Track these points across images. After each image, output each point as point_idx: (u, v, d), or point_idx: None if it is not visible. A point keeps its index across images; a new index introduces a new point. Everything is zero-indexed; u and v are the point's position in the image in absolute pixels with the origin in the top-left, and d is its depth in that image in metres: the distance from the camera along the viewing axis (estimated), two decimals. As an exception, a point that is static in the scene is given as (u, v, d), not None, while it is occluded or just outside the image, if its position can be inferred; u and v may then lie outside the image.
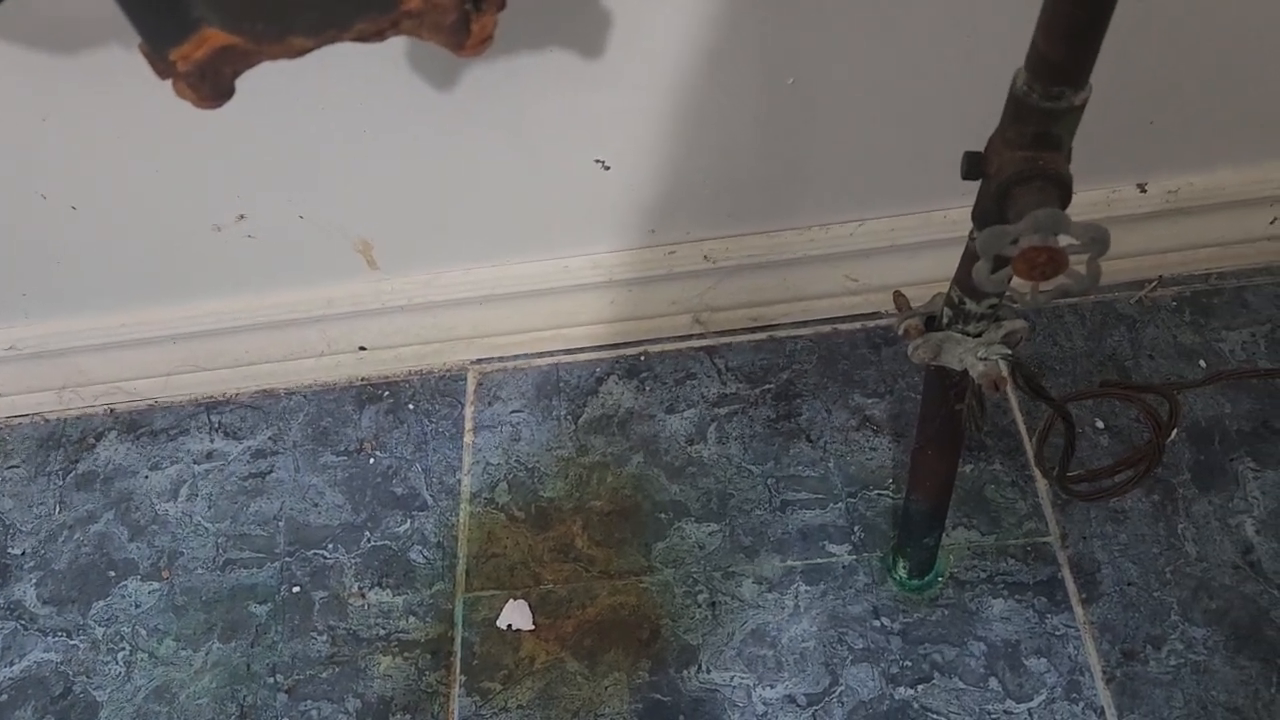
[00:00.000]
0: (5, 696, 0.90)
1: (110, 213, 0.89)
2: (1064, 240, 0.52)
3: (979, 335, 0.68)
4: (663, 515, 0.93)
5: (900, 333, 0.71)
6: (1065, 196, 0.55)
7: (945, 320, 0.69)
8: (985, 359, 0.68)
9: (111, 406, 1.08)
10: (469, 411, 1.03)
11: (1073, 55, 0.52)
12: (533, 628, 0.89)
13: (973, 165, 0.59)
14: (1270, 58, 0.83)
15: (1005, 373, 0.68)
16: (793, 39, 0.78)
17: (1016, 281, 0.55)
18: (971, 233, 0.63)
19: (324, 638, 0.91)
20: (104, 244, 0.92)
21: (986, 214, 0.59)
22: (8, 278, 0.96)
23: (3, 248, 0.92)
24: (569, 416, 1.01)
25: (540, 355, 1.05)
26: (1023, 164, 0.56)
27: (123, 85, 0.76)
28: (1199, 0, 0.77)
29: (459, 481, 0.98)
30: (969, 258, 0.65)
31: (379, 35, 0.41)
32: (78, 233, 0.91)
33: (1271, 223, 0.95)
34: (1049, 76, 0.53)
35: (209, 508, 1.00)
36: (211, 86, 0.41)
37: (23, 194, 0.86)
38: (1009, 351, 0.68)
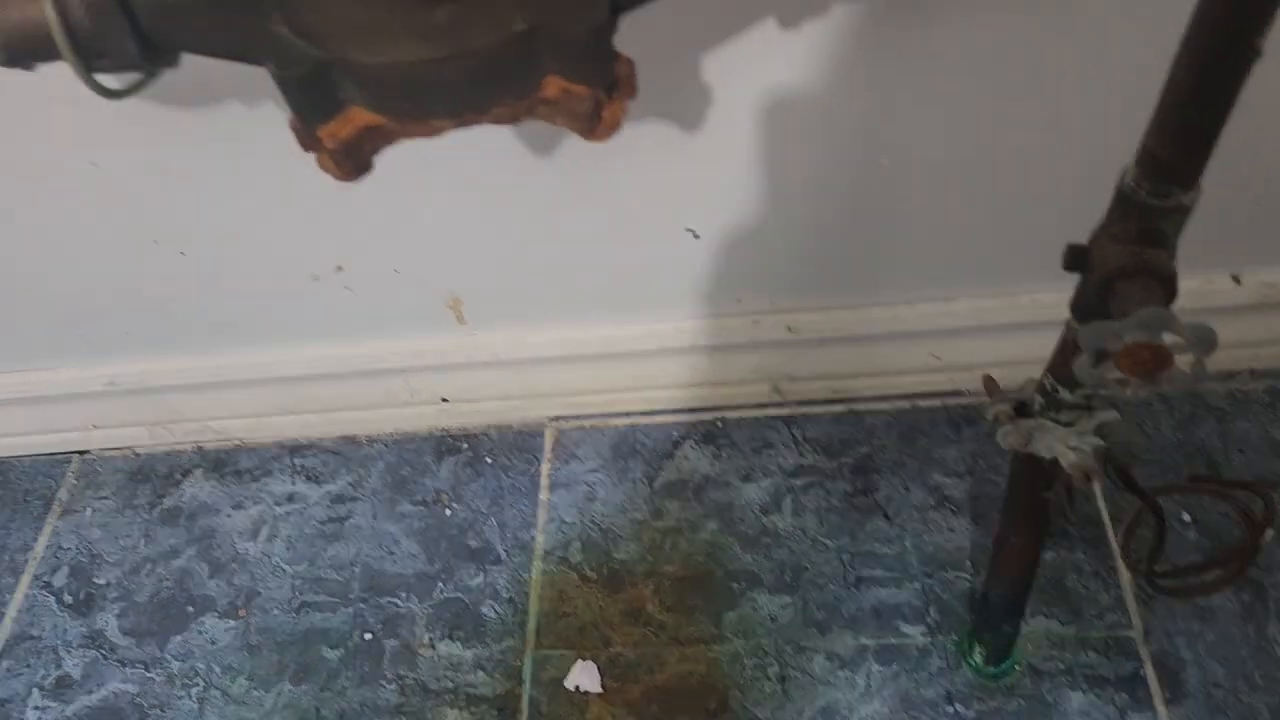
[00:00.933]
0: (83, 725, 0.92)
1: (216, 259, 0.92)
2: (1169, 338, 0.52)
3: (1071, 424, 0.68)
4: (735, 584, 0.93)
5: (990, 417, 0.71)
6: (1170, 294, 0.55)
7: (1037, 407, 0.68)
8: (1077, 449, 0.68)
9: (200, 445, 1.11)
10: (545, 468, 1.04)
11: (1185, 156, 0.52)
12: (600, 691, 0.89)
13: (1076, 258, 0.59)
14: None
15: (1097, 464, 0.67)
16: (890, 121, 0.79)
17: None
18: (1069, 322, 0.63)
19: (393, 686, 0.92)
20: (207, 288, 0.96)
21: (1088, 307, 0.59)
22: (114, 316, 0.99)
23: (114, 288, 0.95)
24: (644, 479, 1.01)
25: (618, 416, 1.06)
26: (1128, 259, 0.56)
27: (239, 141, 0.80)
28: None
29: (533, 538, 0.99)
30: (1066, 347, 0.65)
31: (514, 119, 0.43)
32: (184, 277, 0.94)
33: (1370, 321, 0.93)
34: (1158, 175, 0.53)
35: (287, 549, 1.02)
36: (353, 162, 0.43)
37: (137, 239, 0.90)
38: (1101, 442, 0.68)
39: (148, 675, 0.95)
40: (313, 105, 0.41)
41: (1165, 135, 0.52)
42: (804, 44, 0.73)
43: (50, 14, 0.41)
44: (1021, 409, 0.70)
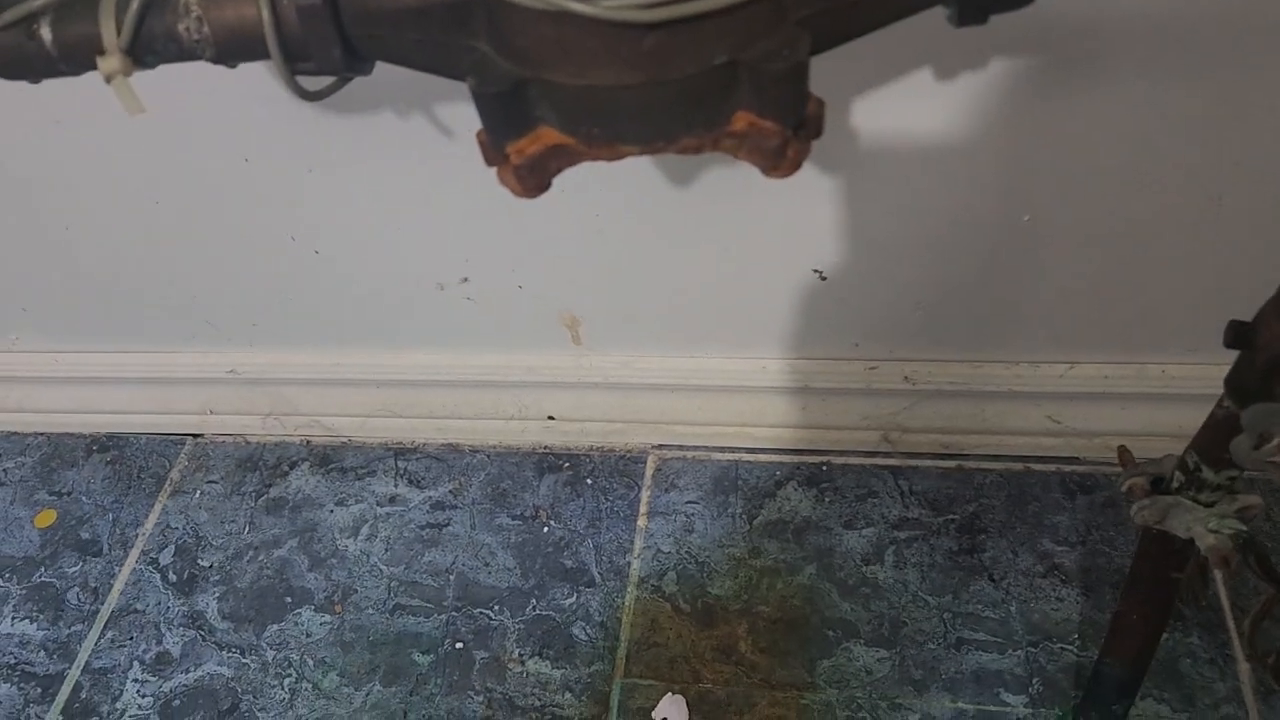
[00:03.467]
0: (179, 702, 0.94)
1: (349, 260, 0.95)
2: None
3: (1211, 505, 0.65)
4: (831, 632, 0.92)
5: (1123, 489, 0.69)
6: (1341, 380, 0.53)
7: (1175, 484, 0.66)
8: (1216, 531, 0.65)
9: (309, 439, 1.13)
10: (645, 495, 1.04)
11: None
12: (687, 726, 0.88)
13: (1239, 335, 0.57)
14: None
15: (1235, 549, 0.65)
16: (1035, 178, 0.78)
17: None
18: (1222, 400, 0.61)
19: (480, 699, 0.92)
20: (336, 288, 0.98)
21: (1247, 386, 0.57)
22: (243, 307, 1.02)
23: (246, 280, 0.98)
24: (744, 515, 1.00)
25: (722, 450, 1.05)
26: (1299, 341, 0.54)
27: (384, 149, 0.82)
28: None
29: (628, 564, 0.99)
30: (1217, 425, 0.62)
31: (699, 150, 0.43)
32: (315, 275, 0.97)
33: None
34: (1343, 257, 0.51)
35: (386, 550, 1.03)
36: (536, 180, 0.44)
37: (276, 236, 0.93)
38: (1243, 527, 0.65)
39: (243, 660, 0.97)
40: (505, 122, 0.42)
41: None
42: (956, 94, 0.72)
43: (265, 15, 0.43)
44: (1158, 484, 0.68)
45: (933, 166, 0.78)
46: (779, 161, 0.43)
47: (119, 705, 0.95)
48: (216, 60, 0.45)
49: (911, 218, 0.83)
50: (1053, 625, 0.89)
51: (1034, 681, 0.87)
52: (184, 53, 0.45)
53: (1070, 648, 0.88)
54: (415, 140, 0.80)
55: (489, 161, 0.44)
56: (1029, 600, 0.91)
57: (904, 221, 0.83)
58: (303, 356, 1.07)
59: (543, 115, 0.42)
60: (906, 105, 0.74)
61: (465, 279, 0.96)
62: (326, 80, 0.50)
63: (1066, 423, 0.97)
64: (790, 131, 0.42)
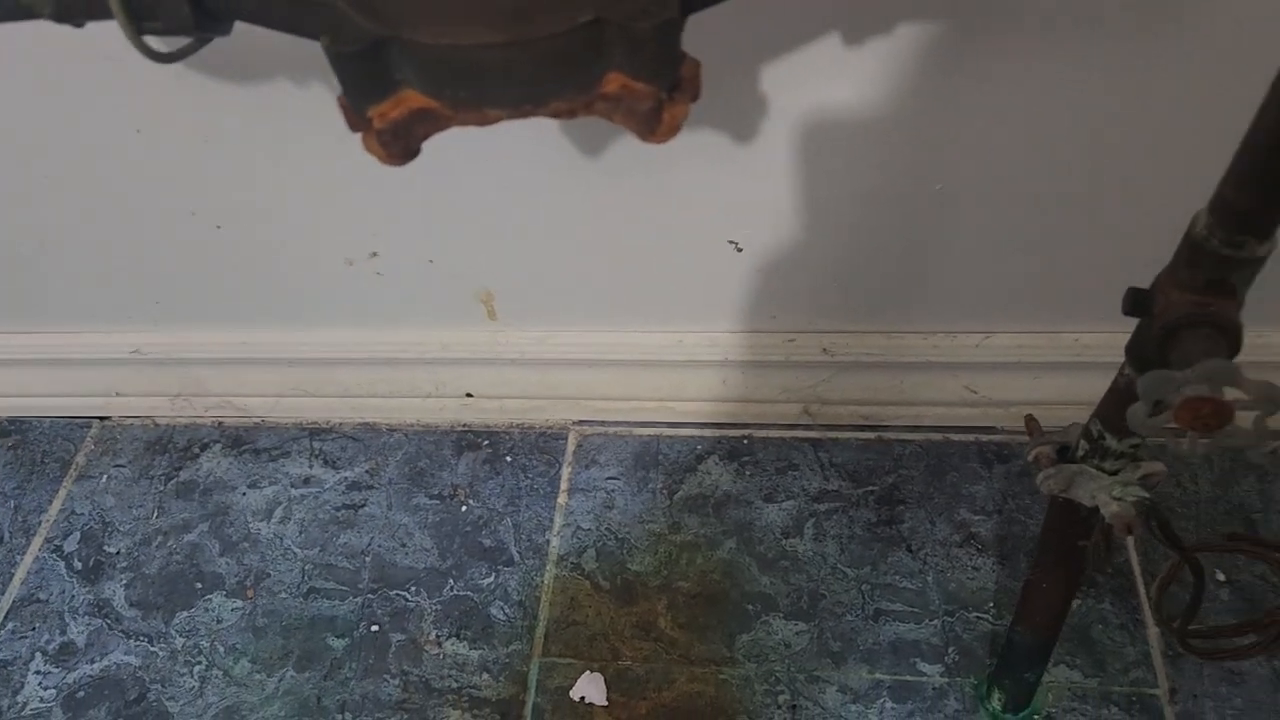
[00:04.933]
0: (83, 693, 0.91)
1: (252, 235, 0.92)
2: (1231, 393, 0.50)
3: (1115, 473, 0.66)
4: (750, 606, 0.91)
5: (1030, 459, 0.69)
6: (1235, 347, 0.53)
7: (1080, 453, 0.66)
8: (1120, 499, 0.65)
9: (220, 420, 1.10)
10: (566, 472, 1.02)
11: (1264, 206, 0.50)
12: (605, 704, 0.87)
13: (1137, 302, 0.57)
14: None
15: (1139, 516, 0.65)
16: (947, 148, 0.77)
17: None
18: (1123, 368, 0.61)
19: (396, 681, 0.90)
20: (241, 264, 0.95)
21: (1146, 354, 0.57)
22: (143, 285, 0.99)
23: (146, 257, 0.95)
24: (664, 491, 0.99)
25: (643, 425, 1.04)
26: (1193, 308, 0.53)
27: (284, 117, 0.79)
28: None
29: (548, 542, 0.97)
30: (1118, 394, 0.62)
31: (571, 114, 0.41)
32: (218, 251, 0.93)
33: None
34: (1234, 224, 0.51)
35: (300, 533, 1.00)
36: (401, 145, 0.42)
37: (174, 209, 0.89)
38: (1146, 494, 0.65)
39: (151, 649, 0.94)
40: (365, 84, 0.40)
41: (1244, 183, 0.49)
42: (866, 63, 0.71)
43: (105, -30, 0.40)
44: (1064, 453, 0.68)
45: (844, 138, 0.77)
46: (654, 125, 0.41)
47: (19, 699, 0.91)
48: (57, 18, 0.42)
49: (825, 189, 0.82)
50: (969, 594, 0.90)
51: (950, 650, 0.87)
52: (22, 9, 0.42)
53: (986, 616, 0.88)
54: (316, 109, 0.77)
55: (352, 127, 0.42)
56: (946, 570, 0.91)
57: (818, 193, 0.82)
58: (210, 335, 1.04)
59: (405, 77, 0.40)
60: (817, 77, 0.72)
61: (374, 254, 0.93)
62: (182, 41, 0.48)
63: (983, 392, 0.97)
64: (665, 94, 0.41)
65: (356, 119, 0.41)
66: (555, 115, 0.41)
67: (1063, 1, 0.66)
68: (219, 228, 0.91)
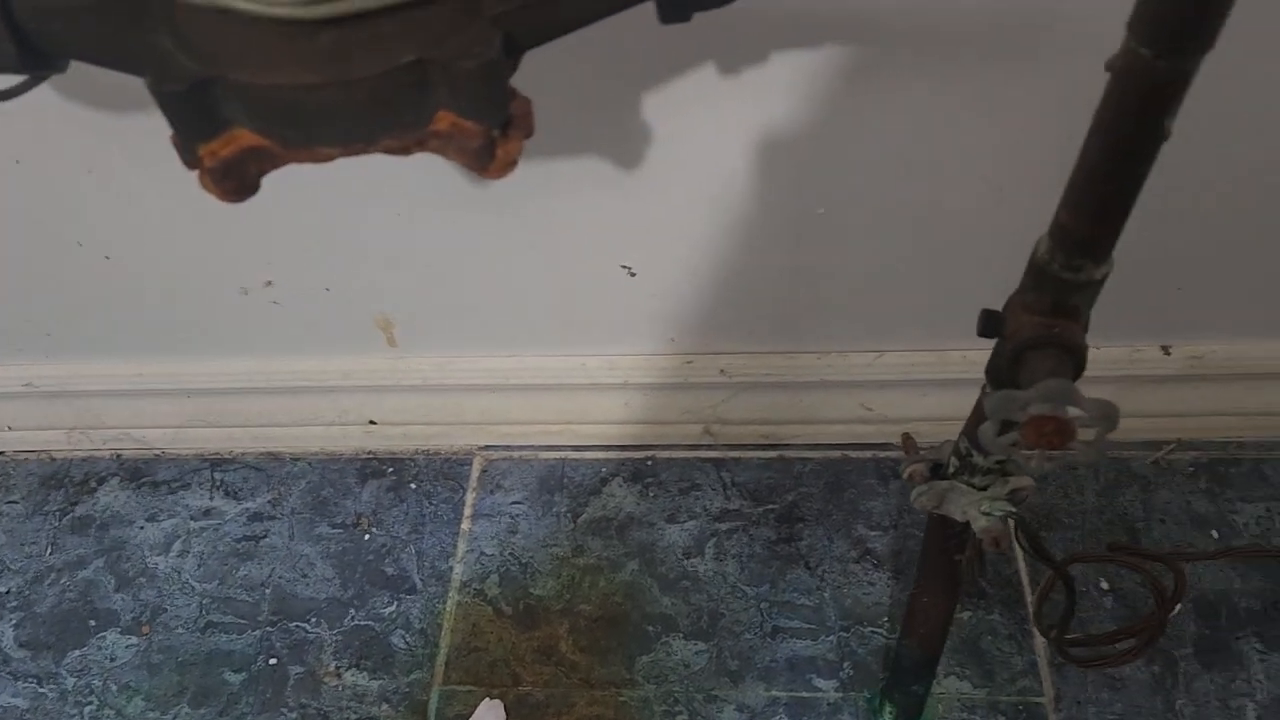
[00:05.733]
0: (-33, 739, 0.89)
1: (143, 266, 0.90)
2: (1074, 412, 0.52)
3: (985, 489, 0.67)
4: (651, 628, 0.92)
5: (905, 476, 0.70)
6: (1079, 367, 0.55)
7: (951, 469, 0.68)
8: (989, 514, 0.67)
9: (119, 452, 1.08)
10: (470, 498, 1.02)
11: (1097, 231, 0.52)
12: (505, 730, 0.87)
13: (989, 324, 0.59)
14: (1302, 237, 0.83)
15: (1007, 530, 0.67)
16: (829, 173, 0.79)
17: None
18: (984, 387, 0.63)
19: (294, 715, 0.89)
20: (132, 295, 0.94)
21: (1000, 373, 0.58)
22: (34, 317, 0.97)
23: (33, 288, 0.93)
24: (569, 514, 1.00)
25: (547, 449, 1.04)
26: (1039, 330, 0.55)
27: (167, 147, 0.78)
28: (1228, 171, 0.77)
29: (451, 569, 0.97)
30: (979, 413, 0.64)
31: (405, 151, 0.42)
32: (109, 281, 0.92)
33: (1295, 398, 0.94)
34: (1071, 249, 0.53)
35: (199, 566, 0.99)
36: (236, 182, 0.42)
37: (60, 240, 0.88)
38: (1013, 509, 0.67)
39: (40, 690, 0.92)
40: (194, 122, 0.40)
41: (1077, 210, 0.52)
42: (743, 92, 0.73)
43: (-77, 10, 0.40)
44: (936, 469, 0.70)
45: (729, 163, 0.79)
46: (487, 162, 0.42)
47: (-98, 745, 0.89)
48: (-116, 58, 0.42)
49: (713, 213, 0.83)
50: (864, 610, 0.91)
51: (845, 665, 0.88)
52: None
53: (880, 631, 0.90)
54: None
55: (187, 165, 0.42)
56: (842, 586, 0.93)
57: (705, 217, 0.84)
58: (105, 367, 1.02)
59: (233, 116, 0.40)
60: (697, 106, 0.74)
61: (269, 282, 0.92)
62: (16, 79, 0.47)
63: (878, 410, 0.99)
64: (497, 131, 0.41)
65: (189, 158, 0.41)
66: (388, 152, 0.41)
67: (932, 37, 0.68)
68: (108, 258, 0.90)
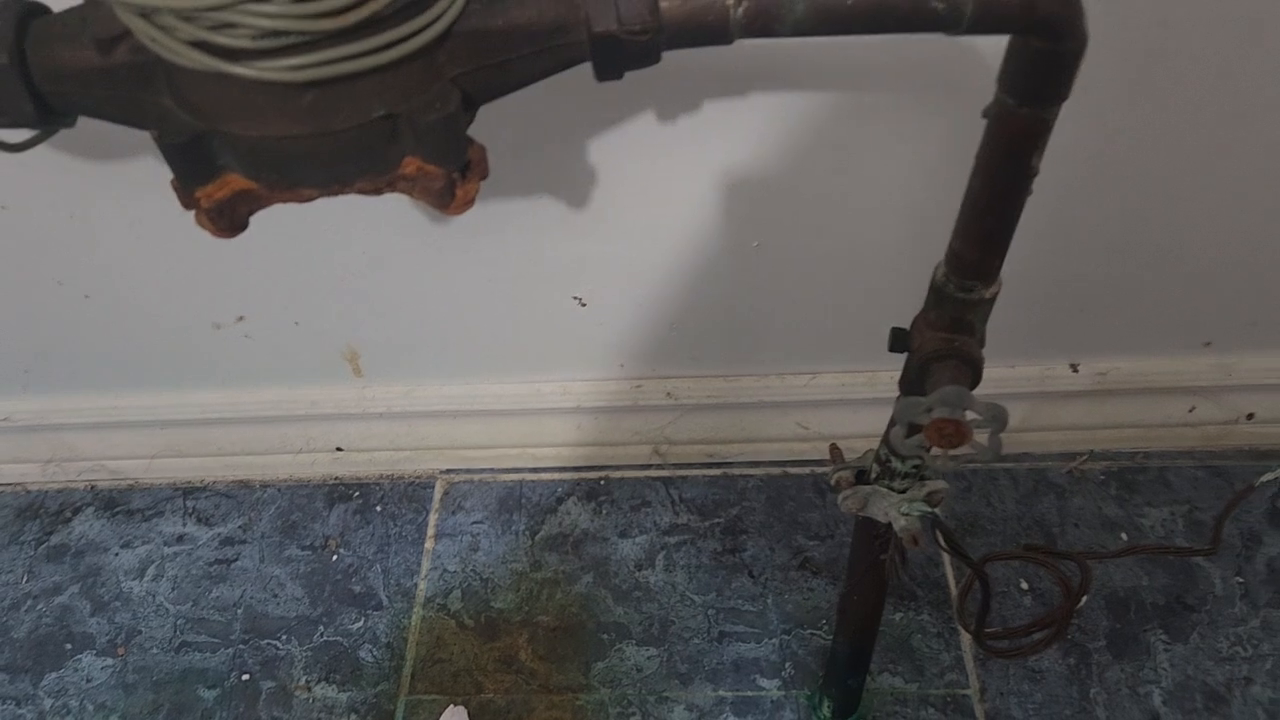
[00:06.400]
0: (-52, 758, 0.92)
1: (120, 303, 0.96)
2: (970, 415, 0.59)
3: (904, 492, 0.74)
4: (605, 636, 0.97)
5: (832, 483, 0.77)
6: (976, 375, 0.62)
7: (874, 475, 0.75)
8: (907, 515, 0.74)
9: (93, 483, 1.12)
10: (433, 519, 1.08)
11: (984, 256, 0.59)
12: (469, 735, 0.92)
13: (899, 340, 0.66)
14: (1189, 261, 0.91)
15: (925, 529, 0.73)
16: (761, 209, 0.86)
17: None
18: (898, 399, 0.70)
19: (266, 727, 0.93)
20: (110, 331, 0.98)
21: (910, 384, 0.66)
22: (13, 353, 1.02)
23: (14, 327, 0.98)
24: (527, 532, 1.05)
25: (506, 471, 1.10)
26: (940, 344, 0.63)
27: (144, 191, 0.84)
28: (1128, 204, 0.86)
29: (415, 585, 1.02)
30: (894, 421, 0.71)
31: (377, 191, 0.48)
32: (87, 319, 0.97)
33: (1190, 410, 1.02)
34: (963, 272, 0.60)
35: (173, 589, 1.03)
36: (228, 221, 0.48)
37: (41, 280, 0.93)
38: (930, 509, 0.74)
39: (18, 712, 0.95)
40: (192, 169, 0.46)
41: (966, 238, 0.59)
42: (681, 137, 0.80)
43: (-46, 74, 0.46)
44: (861, 476, 0.77)
45: (670, 201, 0.86)
46: (448, 201, 0.48)
47: (-117, 767, 0.92)
48: (-87, 114, 0.48)
49: (657, 248, 0.90)
50: (804, 614, 0.98)
51: (787, 666, 0.94)
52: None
53: (819, 632, 0.96)
54: (168, 185, 0.82)
55: (184, 206, 0.48)
56: (784, 592, 0.99)
57: (650, 251, 0.91)
58: (80, 401, 1.06)
59: (227, 163, 0.47)
60: (641, 149, 0.81)
61: (241, 317, 0.98)
62: (29, 132, 0.53)
63: (814, 428, 1.06)
64: (456, 174, 0.48)
65: (187, 199, 0.48)
66: (362, 192, 0.48)
67: (850, 84, 0.76)
68: (87, 297, 0.95)
